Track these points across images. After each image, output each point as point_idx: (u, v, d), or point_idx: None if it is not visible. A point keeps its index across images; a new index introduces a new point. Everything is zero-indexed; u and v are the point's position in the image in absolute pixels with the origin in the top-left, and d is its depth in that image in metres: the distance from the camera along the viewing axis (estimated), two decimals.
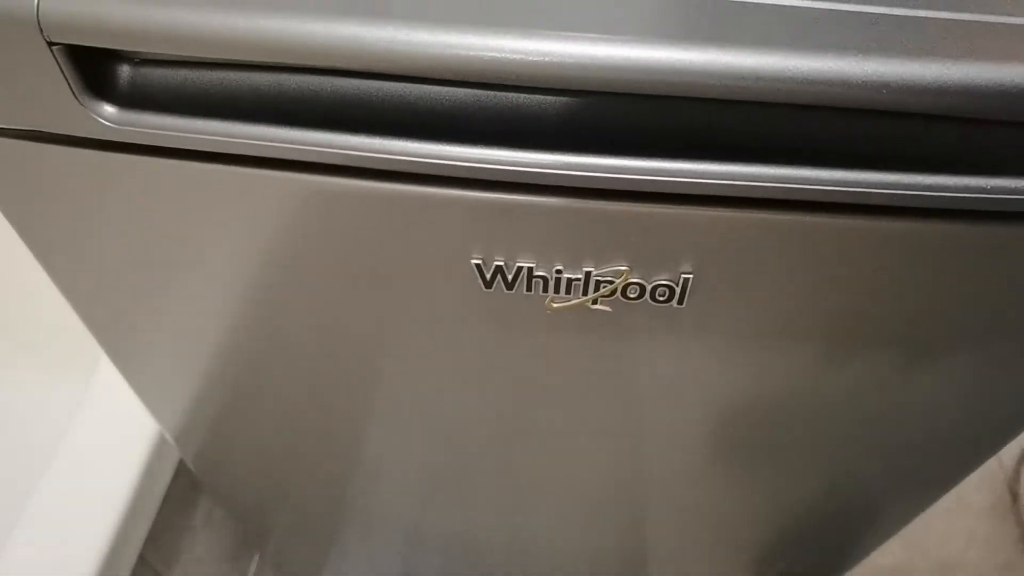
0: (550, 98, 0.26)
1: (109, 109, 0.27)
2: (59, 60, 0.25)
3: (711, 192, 0.27)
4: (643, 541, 0.64)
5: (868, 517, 0.60)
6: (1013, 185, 0.26)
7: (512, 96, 0.26)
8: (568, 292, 0.31)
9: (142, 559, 0.62)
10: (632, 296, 0.31)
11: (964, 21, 0.25)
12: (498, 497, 0.57)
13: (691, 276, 0.30)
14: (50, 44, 0.24)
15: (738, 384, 0.37)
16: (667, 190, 0.27)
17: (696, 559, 0.68)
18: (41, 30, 0.24)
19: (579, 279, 0.30)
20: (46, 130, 0.28)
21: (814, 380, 0.37)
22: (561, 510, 0.58)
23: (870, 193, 0.26)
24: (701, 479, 0.49)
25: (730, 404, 0.38)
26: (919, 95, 0.23)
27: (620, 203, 0.28)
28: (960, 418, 0.41)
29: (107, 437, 0.58)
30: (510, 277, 0.30)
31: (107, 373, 0.61)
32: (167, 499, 0.66)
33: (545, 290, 0.31)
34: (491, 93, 0.26)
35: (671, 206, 0.28)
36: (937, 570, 1.26)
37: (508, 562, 0.71)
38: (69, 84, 0.26)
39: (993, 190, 0.26)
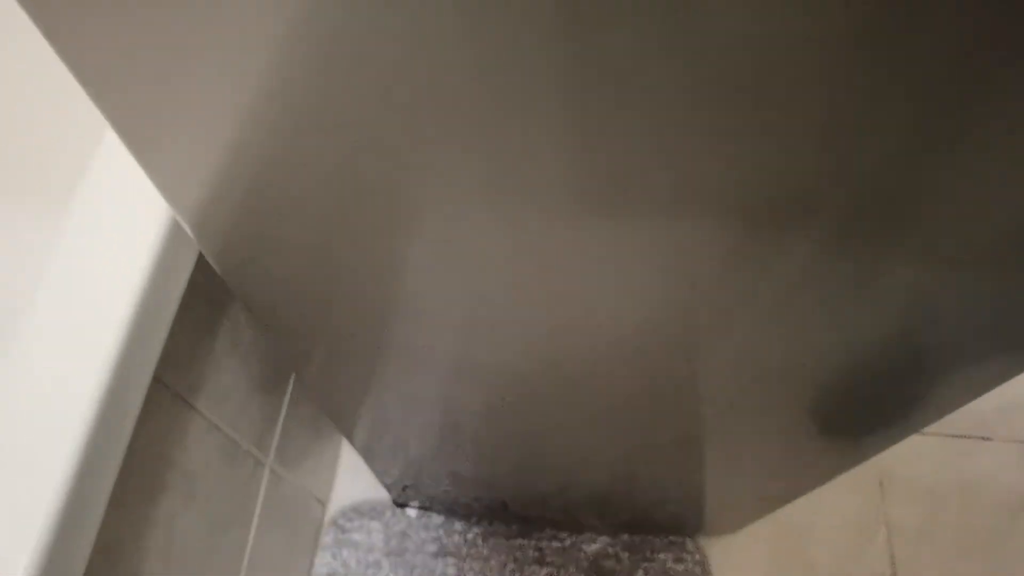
0: None
1: None
2: None
3: None
4: (699, 381, 0.54)
5: (963, 375, 0.50)
6: None
7: None
8: None
9: (160, 381, 0.53)
10: None
11: None
12: (551, 321, 0.46)
13: None
14: None
15: None
16: None
17: (758, 406, 0.59)
18: None
19: None
20: None
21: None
22: (614, 342, 0.48)
23: None
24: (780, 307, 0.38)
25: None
26: None
27: None
28: None
29: (110, 227, 0.47)
30: None
31: (109, 156, 0.50)
32: (187, 321, 0.57)
33: None
34: None
35: None
36: (1001, 404, 1.19)
37: (554, 399, 0.63)
38: None
39: None
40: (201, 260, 0.51)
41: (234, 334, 0.66)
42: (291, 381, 0.82)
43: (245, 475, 0.72)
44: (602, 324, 0.46)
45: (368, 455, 0.88)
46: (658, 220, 0.34)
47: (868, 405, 0.58)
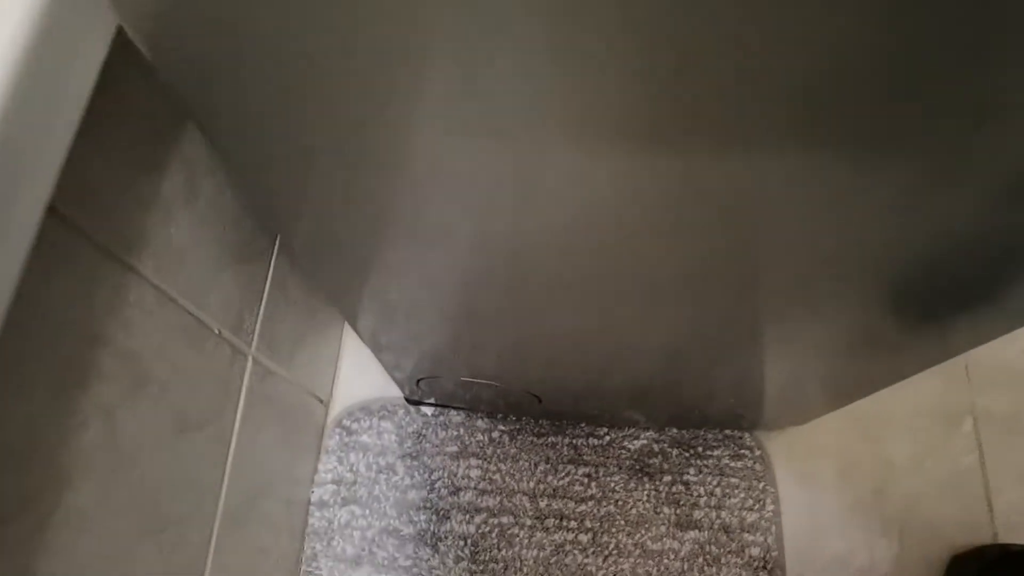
0: None
1: None
2: None
3: None
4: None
5: None
6: None
7: None
8: None
9: (66, 221, 0.37)
10: None
11: None
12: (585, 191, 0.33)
13: None
14: None
15: None
16: None
17: (831, 292, 0.44)
18: None
19: None
20: None
21: None
22: (664, 208, 0.35)
23: None
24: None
25: None
26: None
27: None
28: None
29: None
30: None
31: None
32: (111, 147, 0.40)
33: None
34: None
35: None
36: None
37: (592, 278, 0.47)
38: None
39: None
40: (134, 60, 0.34)
41: (191, 177, 0.50)
42: (275, 249, 0.67)
43: (219, 365, 0.58)
44: (653, 191, 0.33)
45: (375, 344, 0.73)
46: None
47: (961, 295, 0.46)
